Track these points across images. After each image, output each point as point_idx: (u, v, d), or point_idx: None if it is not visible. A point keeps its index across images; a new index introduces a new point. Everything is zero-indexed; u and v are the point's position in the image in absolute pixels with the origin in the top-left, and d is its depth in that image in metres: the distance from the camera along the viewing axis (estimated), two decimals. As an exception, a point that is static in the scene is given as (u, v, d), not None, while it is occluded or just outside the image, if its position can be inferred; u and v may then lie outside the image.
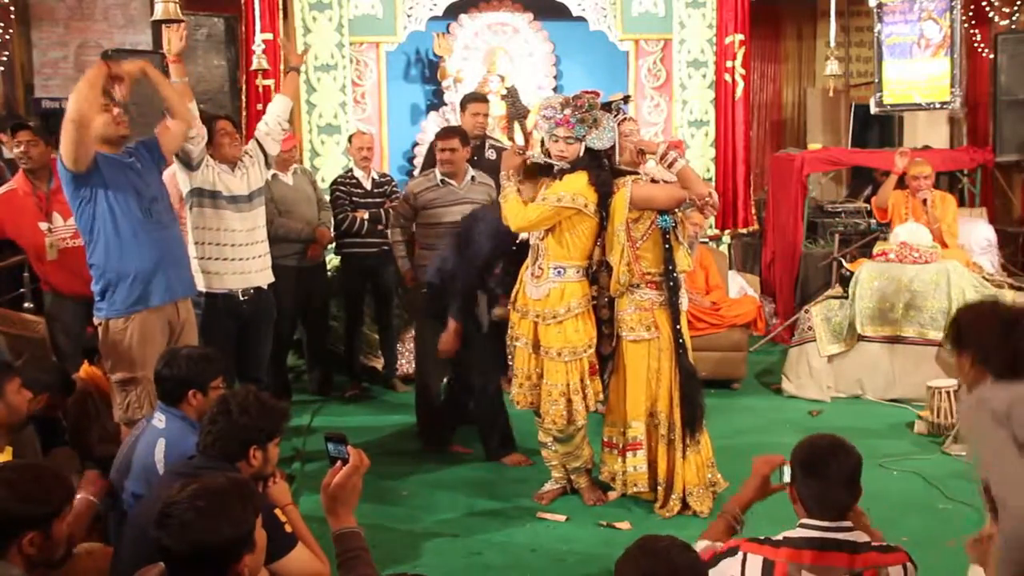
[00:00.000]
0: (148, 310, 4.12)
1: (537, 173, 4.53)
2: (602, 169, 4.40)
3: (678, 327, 4.41)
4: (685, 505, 4.42)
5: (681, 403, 4.41)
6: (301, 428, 5.69)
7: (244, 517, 2.16)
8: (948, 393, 5.45)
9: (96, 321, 4.17)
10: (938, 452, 5.24)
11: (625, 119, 4.54)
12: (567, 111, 4.31)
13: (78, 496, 3.00)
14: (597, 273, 4.50)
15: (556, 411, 4.37)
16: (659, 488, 4.47)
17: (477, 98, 6.50)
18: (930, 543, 3.76)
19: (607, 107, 4.46)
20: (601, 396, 4.60)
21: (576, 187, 4.32)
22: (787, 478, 2.65)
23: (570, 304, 4.36)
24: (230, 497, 2.16)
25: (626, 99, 4.87)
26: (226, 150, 4.90)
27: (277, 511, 2.78)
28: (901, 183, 6.81)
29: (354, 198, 6.29)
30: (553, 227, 4.38)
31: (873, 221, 7.33)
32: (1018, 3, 7.88)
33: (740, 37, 7.74)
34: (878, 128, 8.86)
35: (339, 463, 2.42)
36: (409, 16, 7.57)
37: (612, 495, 4.62)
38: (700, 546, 2.63)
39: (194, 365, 3.34)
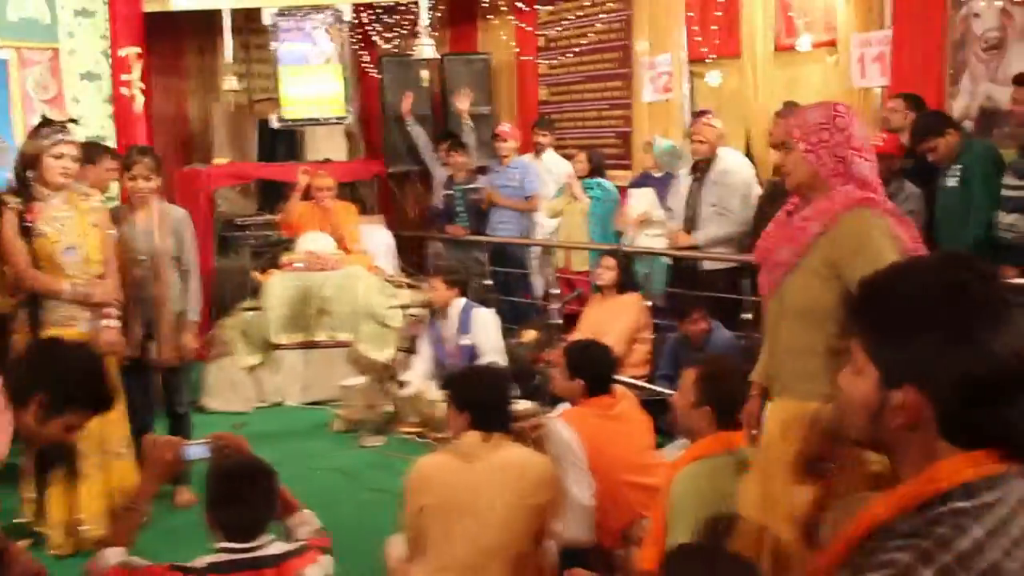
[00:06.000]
0: None
1: None
2: None
3: None
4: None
5: None
6: None
7: None
8: (360, 390, 5.82)
9: None
10: (356, 446, 5.59)
11: None
12: None
13: None
14: None
15: None
16: None
17: None
18: (356, 530, 4.08)
19: None
20: None
21: None
22: (190, 455, 2.65)
23: None
24: None
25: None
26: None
27: None
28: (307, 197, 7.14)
29: None
30: None
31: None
32: (396, 30, 8.65)
33: (136, 50, 7.46)
34: (285, 142, 9.14)
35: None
36: None
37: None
38: (109, 555, 2.42)
39: None
